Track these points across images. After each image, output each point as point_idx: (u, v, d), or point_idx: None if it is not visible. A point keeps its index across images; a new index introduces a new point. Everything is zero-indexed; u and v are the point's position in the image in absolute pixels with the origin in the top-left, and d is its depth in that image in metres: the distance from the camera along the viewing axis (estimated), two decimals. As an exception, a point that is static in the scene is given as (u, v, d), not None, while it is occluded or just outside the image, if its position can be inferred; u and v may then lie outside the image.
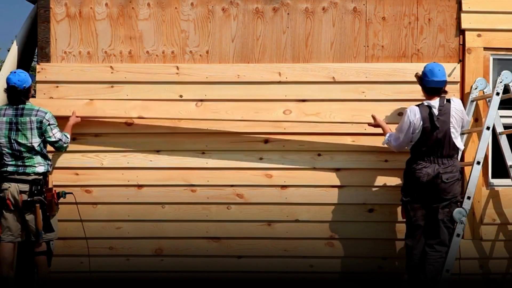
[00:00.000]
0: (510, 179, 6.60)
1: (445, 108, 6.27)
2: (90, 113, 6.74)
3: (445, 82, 6.34)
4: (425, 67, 6.39)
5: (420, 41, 6.86)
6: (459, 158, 6.49)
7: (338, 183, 6.83)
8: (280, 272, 6.86)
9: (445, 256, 6.26)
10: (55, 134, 6.45)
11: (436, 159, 6.26)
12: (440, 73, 6.31)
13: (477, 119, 6.80)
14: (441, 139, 6.24)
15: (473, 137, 6.75)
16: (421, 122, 6.25)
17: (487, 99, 6.65)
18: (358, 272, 6.86)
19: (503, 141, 6.64)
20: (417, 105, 6.35)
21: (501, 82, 6.46)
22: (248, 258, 6.87)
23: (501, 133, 6.62)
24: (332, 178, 6.82)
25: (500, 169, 6.80)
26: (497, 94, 6.45)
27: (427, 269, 6.23)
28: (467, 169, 6.61)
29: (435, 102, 6.30)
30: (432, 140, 6.24)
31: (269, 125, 6.80)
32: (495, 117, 6.48)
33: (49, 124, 6.42)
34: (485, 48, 6.81)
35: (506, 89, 6.49)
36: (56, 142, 6.47)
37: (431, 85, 6.31)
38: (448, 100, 6.31)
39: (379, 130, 6.63)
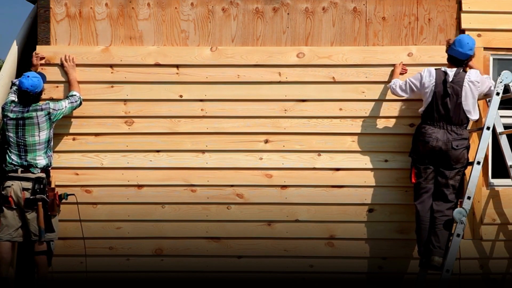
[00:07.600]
0: (510, 179, 6.60)
1: (459, 77, 6.35)
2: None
3: (468, 56, 6.38)
4: (457, 36, 6.49)
5: (420, 41, 6.85)
6: (469, 127, 6.53)
7: (338, 183, 6.82)
8: (280, 272, 6.85)
9: (451, 218, 6.33)
10: (65, 105, 6.55)
11: (446, 125, 6.34)
12: (467, 46, 6.35)
13: (477, 119, 6.80)
14: (452, 107, 6.32)
15: (473, 137, 6.75)
16: (434, 84, 6.35)
17: (487, 99, 6.65)
18: (358, 272, 6.85)
19: (503, 141, 6.63)
20: (435, 68, 6.42)
21: (501, 82, 6.45)
22: (248, 258, 6.86)
23: (501, 133, 6.62)
24: (332, 178, 6.82)
25: (500, 169, 6.80)
26: (497, 94, 6.45)
27: (439, 234, 6.31)
28: (467, 169, 6.60)
29: (451, 70, 6.38)
30: (443, 107, 6.32)
31: (269, 125, 6.81)
32: (495, 117, 6.48)
33: (55, 109, 6.49)
34: (485, 48, 6.82)
35: (506, 89, 6.48)
36: (72, 107, 6.59)
37: (452, 53, 6.40)
38: (465, 71, 6.36)
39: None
